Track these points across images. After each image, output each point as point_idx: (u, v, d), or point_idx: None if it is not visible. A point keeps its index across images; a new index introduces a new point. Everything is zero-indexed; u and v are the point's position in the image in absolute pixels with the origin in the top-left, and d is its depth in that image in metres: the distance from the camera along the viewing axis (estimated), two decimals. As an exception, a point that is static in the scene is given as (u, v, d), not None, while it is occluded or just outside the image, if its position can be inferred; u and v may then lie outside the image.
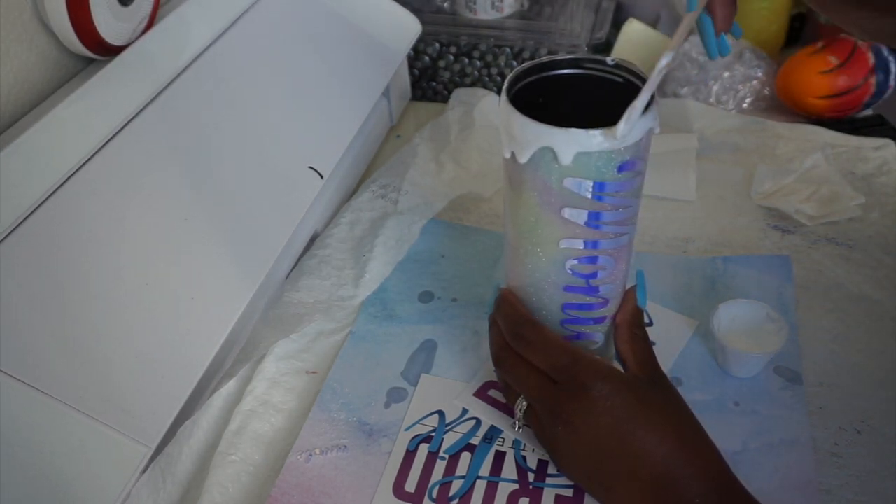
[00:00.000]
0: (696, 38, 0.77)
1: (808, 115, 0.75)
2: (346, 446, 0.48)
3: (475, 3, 0.79)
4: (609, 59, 0.43)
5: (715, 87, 0.77)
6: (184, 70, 0.55)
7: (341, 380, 0.52)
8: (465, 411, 0.50)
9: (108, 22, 0.51)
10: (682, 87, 0.78)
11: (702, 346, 0.53)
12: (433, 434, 0.49)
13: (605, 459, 0.41)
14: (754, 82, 0.77)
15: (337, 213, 0.65)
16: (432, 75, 0.82)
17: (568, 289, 0.44)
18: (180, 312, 0.47)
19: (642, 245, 0.62)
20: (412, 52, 0.80)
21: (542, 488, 0.45)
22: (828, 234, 0.62)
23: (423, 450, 0.48)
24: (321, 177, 0.60)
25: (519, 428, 0.46)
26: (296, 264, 0.61)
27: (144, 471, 0.44)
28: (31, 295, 0.41)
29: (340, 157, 0.63)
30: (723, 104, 0.77)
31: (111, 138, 0.49)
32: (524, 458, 0.47)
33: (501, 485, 0.46)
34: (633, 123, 0.38)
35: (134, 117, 0.51)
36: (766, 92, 0.77)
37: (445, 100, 0.82)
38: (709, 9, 0.41)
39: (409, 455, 0.48)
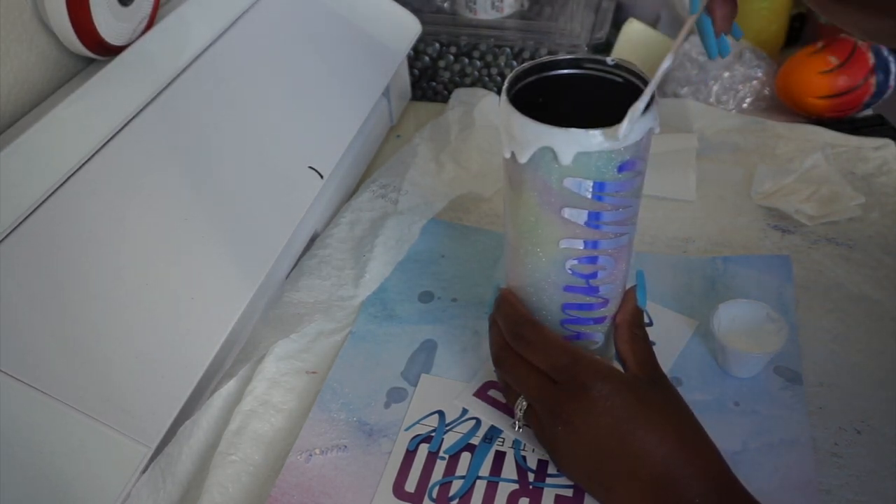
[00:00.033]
0: (696, 38, 0.78)
1: (808, 115, 0.75)
2: (346, 446, 0.48)
3: (475, 3, 0.79)
4: (609, 59, 0.43)
5: (715, 87, 0.77)
6: (184, 70, 0.55)
7: (341, 380, 0.52)
8: (465, 411, 0.50)
9: (108, 22, 0.51)
10: (682, 87, 0.78)
11: (702, 346, 0.53)
12: (433, 434, 0.49)
13: (605, 459, 0.41)
14: (754, 82, 0.77)
15: (337, 213, 0.65)
16: (432, 75, 0.82)
17: (568, 289, 0.44)
18: (180, 312, 0.47)
19: (642, 245, 0.62)
20: (412, 52, 0.80)
21: (542, 488, 0.45)
22: (828, 234, 0.62)
23: (423, 450, 0.48)
24: (321, 177, 0.60)
25: (519, 428, 0.46)
26: (296, 264, 0.61)
27: (144, 471, 0.44)
28: (31, 295, 0.41)
29: (340, 157, 0.63)
30: (723, 104, 0.77)
31: (111, 138, 0.49)
32: (524, 458, 0.47)
33: (501, 485, 0.46)
34: (634, 124, 0.38)
35: (134, 117, 0.51)
36: (766, 92, 0.77)
37: (445, 100, 0.82)
38: (708, 9, 0.41)
39: (409, 455, 0.48)
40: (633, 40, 0.81)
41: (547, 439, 0.44)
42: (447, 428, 0.49)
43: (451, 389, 0.52)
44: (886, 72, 0.71)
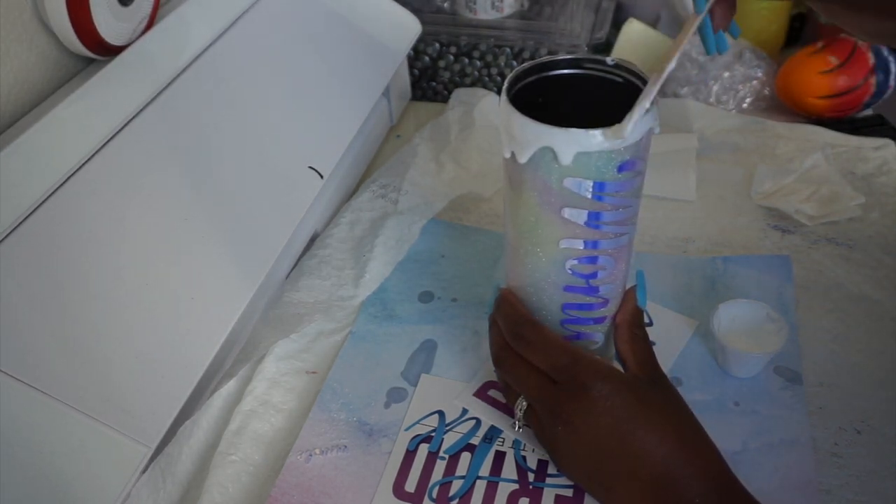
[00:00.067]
0: (695, 38, 0.77)
1: (808, 115, 0.75)
2: (346, 446, 0.48)
3: (475, 3, 0.79)
4: (609, 59, 0.43)
5: (715, 87, 0.77)
6: (184, 70, 0.55)
7: (341, 380, 0.52)
8: (465, 411, 0.50)
9: (108, 22, 0.51)
10: (682, 87, 0.78)
11: (702, 346, 0.53)
12: (433, 434, 0.49)
13: (605, 459, 0.41)
14: (754, 82, 0.77)
15: (337, 213, 0.65)
16: (432, 75, 0.82)
17: (568, 289, 0.44)
18: (180, 312, 0.47)
19: (642, 245, 0.62)
20: (412, 52, 0.80)
21: (542, 488, 0.45)
22: (828, 234, 0.62)
23: (423, 450, 0.48)
24: (321, 177, 0.60)
25: (519, 428, 0.46)
26: (296, 264, 0.61)
27: (144, 471, 0.44)
28: (31, 295, 0.41)
29: (340, 157, 0.63)
30: (723, 104, 0.77)
31: (111, 138, 0.49)
32: (524, 458, 0.47)
33: (501, 485, 0.46)
34: (638, 122, 0.38)
35: (134, 117, 0.51)
36: (766, 92, 0.77)
37: (445, 100, 0.82)
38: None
39: (409, 455, 0.48)
40: (633, 40, 0.81)
41: (547, 439, 0.44)
42: (447, 428, 0.49)
43: (451, 389, 0.52)
44: (886, 72, 0.71)
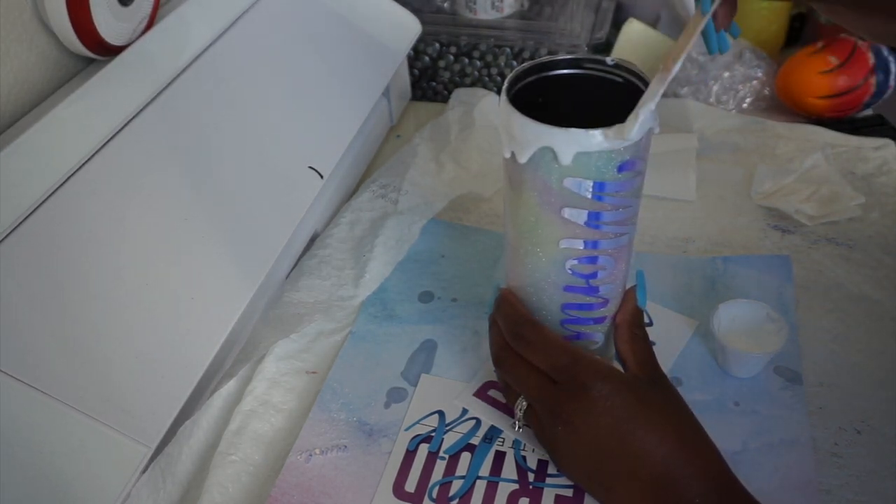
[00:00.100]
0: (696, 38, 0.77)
1: (808, 115, 0.75)
2: (346, 446, 0.48)
3: (475, 3, 0.79)
4: (609, 59, 0.43)
5: (715, 87, 0.77)
6: (184, 70, 0.55)
7: (341, 380, 0.52)
8: (465, 411, 0.50)
9: (108, 22, 0.51)
10: (682, 87, 0.78)
11: (702, 346, 0.53)
12: (433, 434, 0.49)
13: (605, 459, 0.41)
14: (754, 82, 0.77)
15: (337, 213, 0.65)
16: (432, 75, 0.82)
17: (568, 289, 0.44)
18: (180, 312, 0.47)
19: (642, 245, 0.62)
20: (412, 52, 0.80)
21: (542, 488, 0.45)
22: (828, 234, 0.62)
23: (423, 450, 0.48)
24: (321, 177, 0.60)
25: (519, 428, 0.46)
26: (296, 264, 0.61)
27: (144, 471, 0.44)
28: (31, 295, 0.41)
29: (340, 157, 0.63)
30: (723, 104, 0.77)
31: (111, 138, 0.49)
32: (524, 458, 0.47)
33: (501, 485, 0.46)
34: (641, 122, 0.38)
35: (134, 117, 0.51)
36: (766, 92, 0.77)
37: (445, 100, 0.82)
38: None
39: (409, 455, 0.48)
40: (633, 40, 0.81)
41: (547, 439, 0.44)
42: (447, 428, 0.49)
43: (451, 389, 0.52)
44: (886, 72, 0.71)
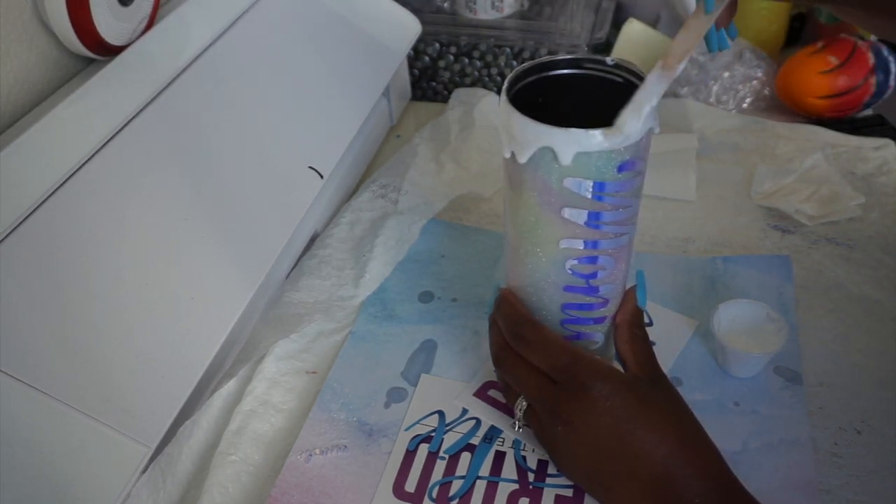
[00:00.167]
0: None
1: (808, 115, 0.75)
2: (346, 446, 0.48)
3: (475, 3, 0.79)
4: (609, 59, 0.43)
5: (715, 87, 0.77)
6: (184, 70, 0.55)
7: (341, 380, 0.52)
8: (465, 411, 0.50)
9: (108, 22, 0.51)
10: (682, 87, 0.78)
11: (702, 346, 0.53)
12: (433, 434, 0.49)
13: (605, 459, 0.41)
14: (754, 82, 0.77)
15: (337, 213, 0.65)
16: (432, 75, 0.82)
17: (568, 289, 0.44)
18: (180, 312, 0.47)
19: (642, 245, 0.62)
20: (412, 52, 0.80)
21: (542, 488, 0.45)
22: (828, 234, 0.62)
23: (423, 450, 0.48)
24: (321, 177, 0.60)
25: (519, 428, 0.46)
26: (296, 264, 0.61)
27: (144, 471, 0.44)
28: (31, 295, 0.41)
29: (340, 157, 0.63)
30: (723, 104, 0.77)
31: (111, 138, 0.49)
32: (524, 458, 0.47)
33: (501, 485, 0.46)
34: (640, 118, 0.38)
35: (134, 117, 0.51)
36: (766, 92, 0.77)
37: (445, 100, 0.82)
38: None
39: (409, 455, 0.48)
40: (633, 40, 0.81)
41: (547, 439, 0.44)
42: (447, 428, 0.49)
43: (451, 389, 0.52)
44: (886, 72, 0.71)
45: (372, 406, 0.51)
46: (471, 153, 0.72)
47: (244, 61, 0.61)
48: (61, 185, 0.45)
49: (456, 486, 0.46)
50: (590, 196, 0.40)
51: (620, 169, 0.39)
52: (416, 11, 0.77)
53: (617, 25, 0.82)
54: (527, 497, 0.45)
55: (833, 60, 0.72)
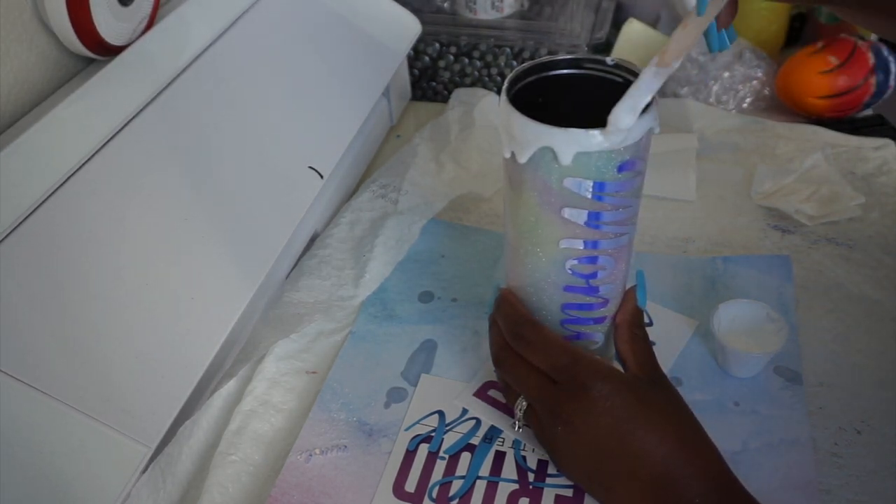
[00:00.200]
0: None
1: (808, 115, 0.75)
2: (346, 446, 0.48)
3: (475, 3, 0.79)
4: (609, 59, 0.43)
5: (715, 87, 0.77)
6: (184, 70, 0.55)
7: (341, 380, 0.52)
8: (465, 411, 0.50)
9: (108, 22, 0.51)
10: (682, 87, 0.78)
11: (702, 346, 0.53)
12: (433, 434, 0.49)
13: (605, 459, 0.41)
14: (754, 82, 0.77)
15: (337, 213, 0.65)
16: (432, 75, 0.82)
17: (568, 289, 0.44)
18: (180, 312, 0.47)
19: (642, 245, 0.62)
20: (412, 52, 0.80)
21: (542, 488, 0.45)
22: (828, 234, 0.62)
23: (423, 450, 0.48)
24: (321, 177, 0.60)
25: (519, 428, 0.46)
26: (296, 264, 0.61)
27: (144, 471, 0.44)
28: (31, 295, 0.41)
29: (340, 157, 0.63)
30: (723, 104, 0.77)
31: (111, 138, 0.49)
32: (524, 458, 0.47)
33: (501, 485, 0.46)
34: (635, 116, 0.38)
35: (134, 117, 0.51)
36: (766, 92, 0.77)
37: (445, 100, 0.82)
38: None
39: (409, 455, 0.48)
40: (633, 40, 0.81)
41: (547, 439, 0.44)
42: (447, 428, 0.49)
43: (451, 389, 0.52)
44: (886, 72, 0.71)
45: (372, 406, 0.51)
46: (471, 153, 0.72)
47: (244, 61, 0.61)
48: (61, 185, 0.45)
49: (456, 486, 0.46)
50: (590, 196, 0.40)
51: (620, 169, 0.39)
52: (416, 11, 0.77)
53: (617, 25, 0.82)
54: (527, 497, 0.45)
55: (833, 60, 0.72)
